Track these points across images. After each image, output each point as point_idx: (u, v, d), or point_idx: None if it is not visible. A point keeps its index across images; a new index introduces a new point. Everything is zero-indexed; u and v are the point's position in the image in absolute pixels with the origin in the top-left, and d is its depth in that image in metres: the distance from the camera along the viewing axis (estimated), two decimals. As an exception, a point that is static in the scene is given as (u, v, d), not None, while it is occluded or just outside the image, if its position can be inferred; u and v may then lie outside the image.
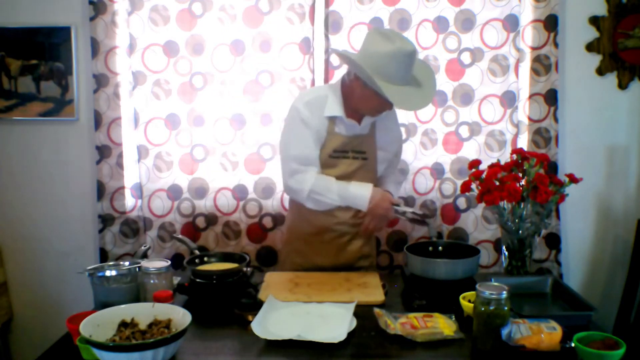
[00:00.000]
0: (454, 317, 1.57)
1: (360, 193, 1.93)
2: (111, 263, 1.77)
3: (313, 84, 2.52)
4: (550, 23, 2.46)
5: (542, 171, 1.95)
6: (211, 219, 2.59)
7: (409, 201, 2.59)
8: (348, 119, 1.95)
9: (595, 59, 2.55)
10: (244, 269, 1.85)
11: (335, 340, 1.41)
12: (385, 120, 2.05)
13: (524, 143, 2.57)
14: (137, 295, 1.70)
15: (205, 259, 1.92)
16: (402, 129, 2.51)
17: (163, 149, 2.54)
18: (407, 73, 1.82)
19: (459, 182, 2.36)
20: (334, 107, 1.93)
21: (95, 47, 2.47)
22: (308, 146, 1.94)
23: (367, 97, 1.87)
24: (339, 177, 1.99)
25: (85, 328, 1.32)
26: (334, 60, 2.49)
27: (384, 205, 1.92)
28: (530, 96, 2.53)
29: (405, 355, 1.42)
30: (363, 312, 1.60)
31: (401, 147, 2.24)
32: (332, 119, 1.95)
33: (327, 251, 2.08)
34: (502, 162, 2.05)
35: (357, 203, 1.95)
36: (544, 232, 2.53)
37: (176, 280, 1.82)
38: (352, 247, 2.10)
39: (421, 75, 1.89)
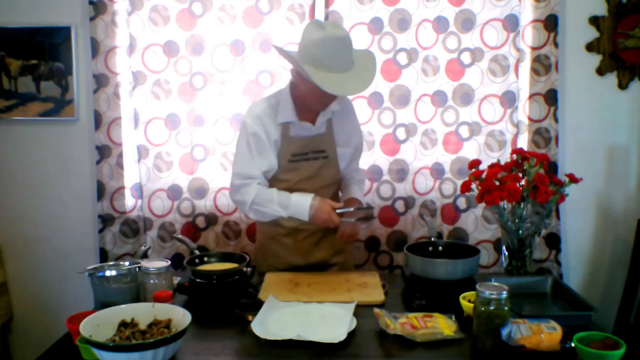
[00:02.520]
0: (454, 317, 1.57)
1: (301, 201, 1.91)
2: (111, 263, 1.78)
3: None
4: (550, 23, 2.46)
5: (542, 171, 1.95)
6: (211, 219, 2.59)
7: (408, 201, 2.59)
8: (301, 122, 1.94)
9: (595, 59, 2.55)
10: (244, 269, 1.85)
11: (335, 340, 1.41)
12: (341, 114, 2.03)
13: (524, 143, 2.56)
14: (137, 295, 1.70)
15: (205, 259, 1.92)
16: (402, 129, 2.52)
17: (163, 149, 2.54)
18: (343, 60, 1.78)
19: (459, 182, 2.36)
20: (286, 113, 1.92)
21: (95, 47, 2.47)
22: (249, 163, 1.94)
23: (310, 90, 1.83)
24: (303, 180, 1.99)
25: (85, 328, 1.32)
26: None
27: (325, 209, 1.89)
28: (530, 96, 2.53)
29: (405, 355, 1.42)
30: (363, 312, 1.60)
31: (362, 140, 2.21)
32: (286, 125, 1.94)
33: (299, 250, 2.08)
34: (502, 162, 2.05)
35: (298, 211, 1.92)
36: (544, 232, 2.52)
37: (176, 280, 1.82)
38: (324, 243, 2.10)
39: (364, 63, 1.85)
